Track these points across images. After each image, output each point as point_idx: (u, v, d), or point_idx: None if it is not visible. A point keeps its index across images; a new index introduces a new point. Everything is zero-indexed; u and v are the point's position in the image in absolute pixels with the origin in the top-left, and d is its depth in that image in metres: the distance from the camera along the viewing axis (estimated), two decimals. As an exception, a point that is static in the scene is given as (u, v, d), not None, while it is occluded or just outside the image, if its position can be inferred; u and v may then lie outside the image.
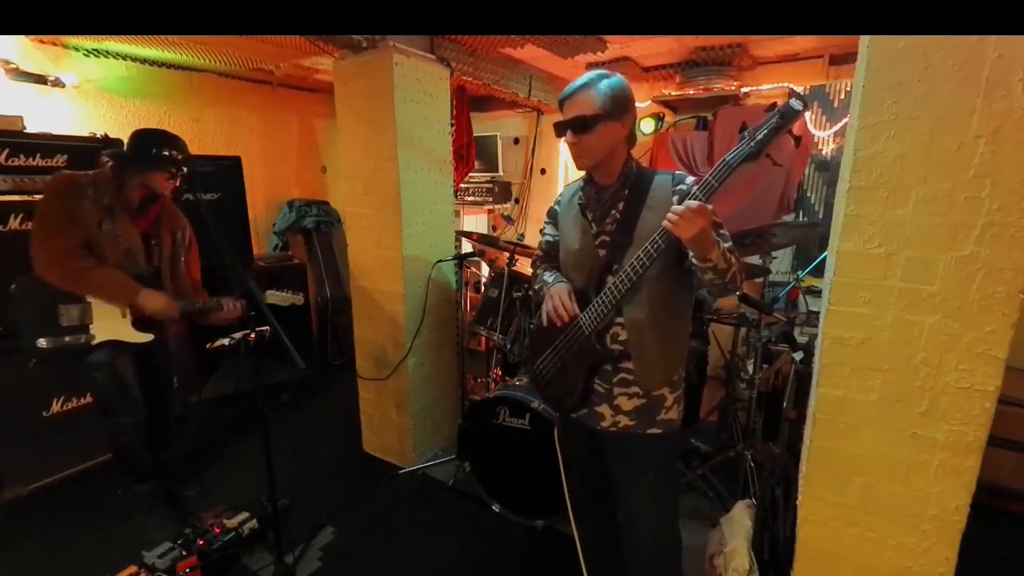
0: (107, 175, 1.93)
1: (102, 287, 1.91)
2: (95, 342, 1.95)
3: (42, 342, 1.88)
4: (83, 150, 2.43)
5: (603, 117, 1.26)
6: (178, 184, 2.00)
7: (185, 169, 1.95)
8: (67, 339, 1.91)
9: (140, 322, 2.00)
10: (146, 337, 2.03)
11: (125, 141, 2.03)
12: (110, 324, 1.96)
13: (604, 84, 1.26)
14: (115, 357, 2.00)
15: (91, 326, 1.94)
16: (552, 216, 1.56)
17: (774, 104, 1.12)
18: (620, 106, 1.28)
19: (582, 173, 1.42)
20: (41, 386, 2.40)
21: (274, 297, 2.14)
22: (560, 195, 1.56)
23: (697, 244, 1.15)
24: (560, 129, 1.32)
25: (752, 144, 1.11)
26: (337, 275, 4.10)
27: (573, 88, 1.29)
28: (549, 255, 1.58)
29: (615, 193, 1.35)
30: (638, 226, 1.31)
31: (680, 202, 1.23)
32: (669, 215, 1.13)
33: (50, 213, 1.86)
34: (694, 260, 1.21)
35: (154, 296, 1.95)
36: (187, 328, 2.28)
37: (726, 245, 1.23)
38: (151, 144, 1.92)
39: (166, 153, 1.91)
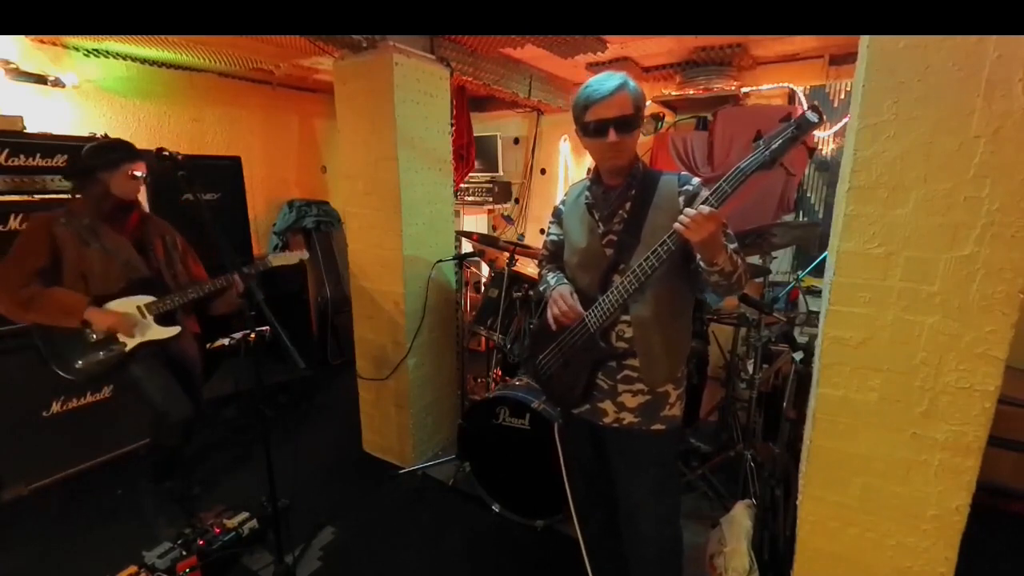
0: (76, 198, 1.92)
1: (48, 310, 1.82)
2: (128, 348, 1.94)
3: (80, 363, 1.86)
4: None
5: (638, 117, 1.29)
6: (141, 184, 1.96)
7: (142, 173, 1.91)
8: (101, 354, 1.90)
9: (160, 317, 2.00)
10: (174, 330, 2.03)
11: (118, 143, 2.00)
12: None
13: (633, 86, 1.28)
14: (149, 359, 2.00)
15: (119, 335, 1.92)
16: (557, 215, 1.57)
17: (789, 115, 1.13)
18: (642, 108, 1.31)
19: (583, 173, 1.42)
20: (41, 386, 2.39)
21: (279, 259, 2.13)
22: (565, 194, 1.57)
23: (706, 248, 1.16)
24: (599, 128, 1.27)
25: (767, 153, 1.12)
26: (337, 275, 4.11)
27: (611, 88, 1.25)
28: (555, 255, 1.58)
29: (622, 193, 1.35)
30: (645, 226, 1.31)
31: (686, 203, 1.25)
32: (680, 218, 1.14)
33: (16, 245, 1.84)
34: (701, 263, 1.21)
35: (102, 313, 1.86)
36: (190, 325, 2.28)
37: (732, 247, 1.24)
38: (95, 152, 1.89)
39: (113, 151, 1.88)
